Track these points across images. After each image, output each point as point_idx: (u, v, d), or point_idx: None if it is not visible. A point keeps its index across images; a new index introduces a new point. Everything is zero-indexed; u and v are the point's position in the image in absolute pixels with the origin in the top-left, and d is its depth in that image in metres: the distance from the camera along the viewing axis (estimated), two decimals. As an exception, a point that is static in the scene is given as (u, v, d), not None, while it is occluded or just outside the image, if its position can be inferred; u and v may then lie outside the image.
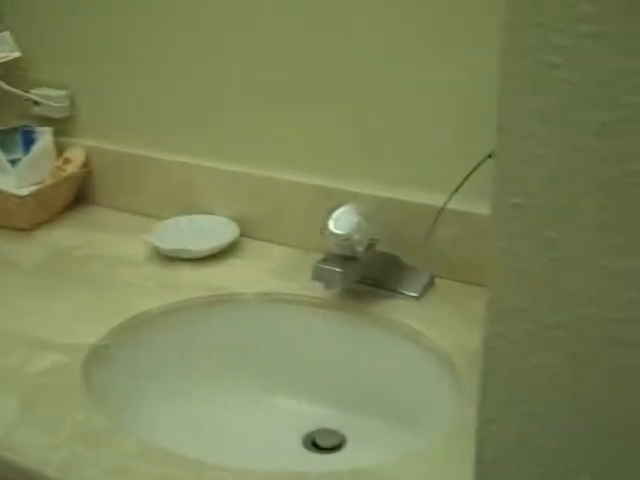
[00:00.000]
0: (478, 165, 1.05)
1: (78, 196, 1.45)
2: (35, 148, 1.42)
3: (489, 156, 1.05)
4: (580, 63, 0.53)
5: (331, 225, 1.10)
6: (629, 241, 0.55)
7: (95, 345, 1.07)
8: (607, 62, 0.52)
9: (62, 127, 1.45)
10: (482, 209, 1.11)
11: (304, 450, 1.09)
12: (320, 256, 1.13)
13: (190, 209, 1.35)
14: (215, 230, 1.30)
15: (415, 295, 1.14)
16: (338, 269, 1.09)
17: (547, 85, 0.54)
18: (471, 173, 1.06)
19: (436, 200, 1.13)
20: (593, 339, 0.59)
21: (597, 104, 0.53)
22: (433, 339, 1.07)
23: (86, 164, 1.43)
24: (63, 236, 1.36)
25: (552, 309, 0.60)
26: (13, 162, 1.43)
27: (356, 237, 1.09)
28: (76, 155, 1.43)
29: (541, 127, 0.55)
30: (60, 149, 1.45)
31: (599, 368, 0.59)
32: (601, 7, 0.51)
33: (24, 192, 1.36)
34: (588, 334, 0.59)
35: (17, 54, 1.41)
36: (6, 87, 1.43)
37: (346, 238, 1.09)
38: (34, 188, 1.38)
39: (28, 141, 1.45)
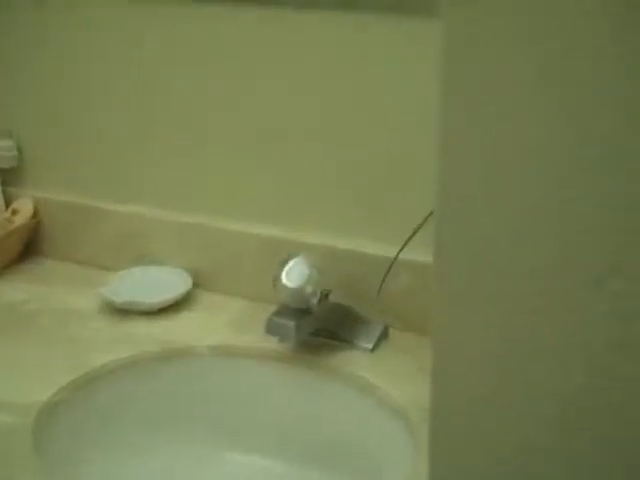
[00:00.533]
0: (427, 217, 1.06)
1: (27, 248, 1.42)
2: (-18, 199, 1.41)
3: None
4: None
5: (283, 278, 1.09)
6: (569, 319, 0.55)
7: (45, 404, 1.05)
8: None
9: (9, 177, 1.43)
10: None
11: (259, 506, 1.08)
12: (274, 308, 1.13)
13: (142, 260, 1.34)
14: (168, 282, 1.28)
15: (369, 347, 1.14)
16: (292, 322, 1.08)
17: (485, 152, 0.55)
18: (420, 226, 1.06)
19: (389, 251, 1.13)
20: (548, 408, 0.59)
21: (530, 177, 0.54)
22: (388, 392, 1.06)
23: (35, 215, 1.41)
24: (12, 290, 1.33)
25: (500, 374, 0.60)
26: (-42, 214, 1.40)
27: (309, 289, 1.09)
28: (24, 206, 1.41)
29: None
30: (8, 200, 1.43)
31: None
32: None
33: (-29, 245, 1.34)
34: (543, 402, 0.59)
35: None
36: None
37: (299, 291, 1.09)
38: (-20, 241, 1.36)
39: (-26, 191, 1.43)
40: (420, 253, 1.11)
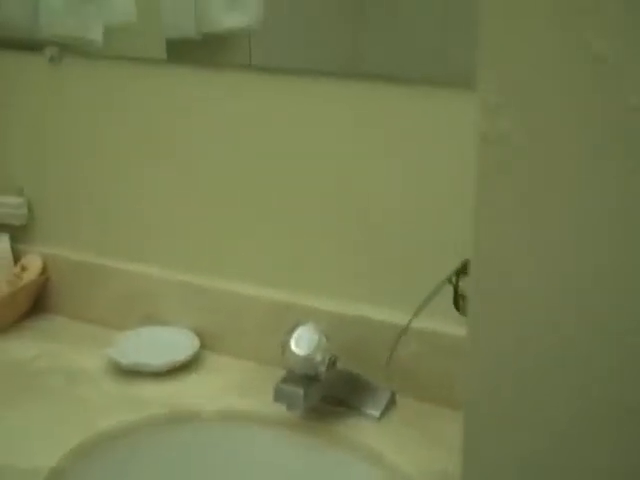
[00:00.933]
0: (440, 286, 1.06)
1: (36, 304, 1.43)
2: (-8, 256, 1.41)
3: (449, 280, 1.07)
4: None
5: (292, 345, 1.10)
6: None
7: (52, 469, 1.06)
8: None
9: (19, 234, 1.45)
10: (444, 327, 1.13)
11: None
12: (281, 371, 1.13)
13: (149, 319, 1.34)
14: (175, 343, 1.29)
15: (376, 415, 1.14)
16: (300, 391, 1.09)
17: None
18: (433, 295, 1.07)
19: (396, 317, 1.14)
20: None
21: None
22: (395, 461, 1.06)
23: (44, 272, 1.42)
24: (20, 347, 1.34)
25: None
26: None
27: (318, 357, 1.10)
28: (33, 263, 1.42)
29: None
30: (17, 256, 1.44)
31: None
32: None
33: (-21, 302, 1.35)
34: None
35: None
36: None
37: (308, 359, 1.09)
38: (-10, 297, 1.36)
39: (-17, 247, 1.44)
40: (428, 321, 1.12)
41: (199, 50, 1.28)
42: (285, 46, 1.23)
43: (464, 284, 1.05)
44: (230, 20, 1.26)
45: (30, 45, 1.36)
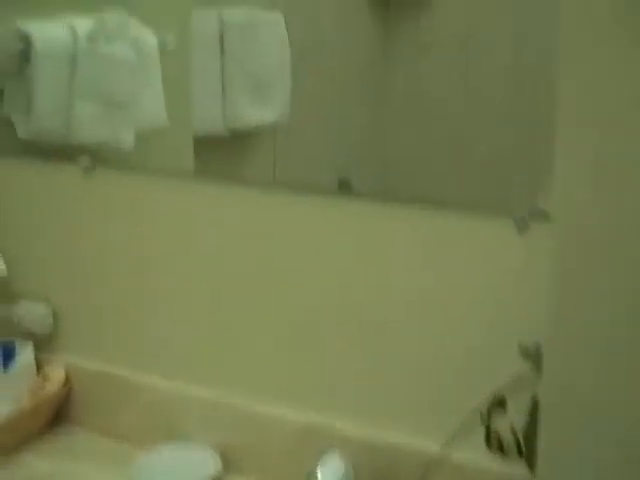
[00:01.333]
0: (470, 420, 1.04)
1: (58, 414, 1.41)
2: (15, 366, 1.39)
3: (481, 416, 1.04)
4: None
5: (319, 477, 1.07)
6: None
7: None
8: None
9: (42, 343, 1.44)
10: (473, 459, 1.10)
11: None
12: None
13: (171, 435, 1.32)
14: (197, 464, 1.26)
15: None
16: (326, 525, 1.06)
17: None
18: (462, 428, 1.05)
19: (424, 445, 1.12)
20: None
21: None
22: None
23: (66, 382, 1.41)
24: (38, 461, 1.32)
25: None
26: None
27: (344, 490, 1.07)
28: (56, 373, 1.41)
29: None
30: (39, 364, 1.43)
31: None
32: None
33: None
34: None
35: (4, 273, 1.41)
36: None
37: (335, 492, 1.06)
38: (11, 410, 1.34)
39: (7, 353, 1.42)
40: (457, 451, 1.09)
41: (226, 148, 1.28)
42: (313, 158, 1.23)
43: (497, 421, 1.02)
44: (256, 115, 1.28)
45: (64, 152, 1.37)
